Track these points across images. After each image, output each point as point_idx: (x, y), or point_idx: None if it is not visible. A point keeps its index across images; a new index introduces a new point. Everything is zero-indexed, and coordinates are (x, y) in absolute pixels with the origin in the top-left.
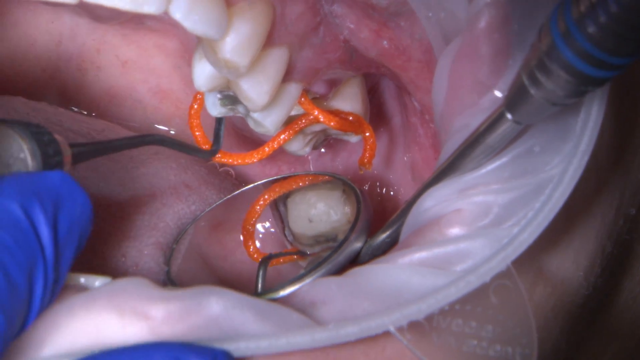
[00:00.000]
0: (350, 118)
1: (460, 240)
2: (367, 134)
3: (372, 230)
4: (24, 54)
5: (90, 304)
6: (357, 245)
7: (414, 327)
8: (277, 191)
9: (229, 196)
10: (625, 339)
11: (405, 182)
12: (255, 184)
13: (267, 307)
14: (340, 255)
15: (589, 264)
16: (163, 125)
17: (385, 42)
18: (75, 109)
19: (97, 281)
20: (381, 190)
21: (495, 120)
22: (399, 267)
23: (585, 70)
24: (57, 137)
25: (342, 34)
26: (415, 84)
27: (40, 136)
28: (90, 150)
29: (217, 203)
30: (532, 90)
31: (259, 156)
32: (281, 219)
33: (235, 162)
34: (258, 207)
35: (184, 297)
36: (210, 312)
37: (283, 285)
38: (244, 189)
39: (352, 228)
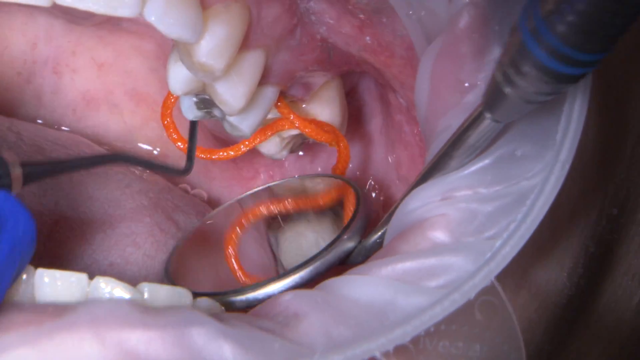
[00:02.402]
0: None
1: (443, 252)
2: (342, 145)
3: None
4: None
5: (70, 328)
6: (350, 245)
7: (400, 350)
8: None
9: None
10: (608, 340)
11: (389, 182)
12: (255, 190)
13: (249, 338)
14: (330, 255)
15: (572, 265)
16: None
17: (367, 38)
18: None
19: (73, 277)
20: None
21: (474, 120)
22: (383, 282)
23: (555, 68)
24: (6, 154)
25: (318, 32)
26: (399, 80)
27: None
28: (44, 170)
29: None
30: (507, 89)
31: (235, 153)
32: (272, 251)
33: (208, 157)
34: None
35: (166, 324)
36: (192, 344)
37: (270, 281)
38: (255, 190)
39: (346, 227)
